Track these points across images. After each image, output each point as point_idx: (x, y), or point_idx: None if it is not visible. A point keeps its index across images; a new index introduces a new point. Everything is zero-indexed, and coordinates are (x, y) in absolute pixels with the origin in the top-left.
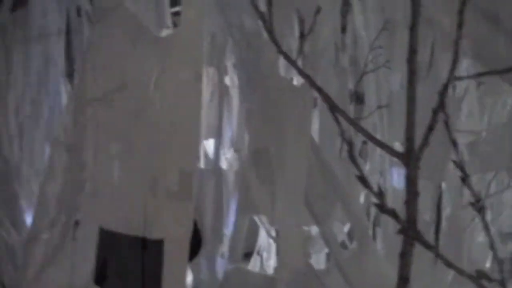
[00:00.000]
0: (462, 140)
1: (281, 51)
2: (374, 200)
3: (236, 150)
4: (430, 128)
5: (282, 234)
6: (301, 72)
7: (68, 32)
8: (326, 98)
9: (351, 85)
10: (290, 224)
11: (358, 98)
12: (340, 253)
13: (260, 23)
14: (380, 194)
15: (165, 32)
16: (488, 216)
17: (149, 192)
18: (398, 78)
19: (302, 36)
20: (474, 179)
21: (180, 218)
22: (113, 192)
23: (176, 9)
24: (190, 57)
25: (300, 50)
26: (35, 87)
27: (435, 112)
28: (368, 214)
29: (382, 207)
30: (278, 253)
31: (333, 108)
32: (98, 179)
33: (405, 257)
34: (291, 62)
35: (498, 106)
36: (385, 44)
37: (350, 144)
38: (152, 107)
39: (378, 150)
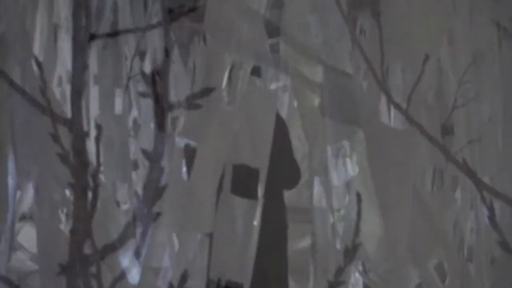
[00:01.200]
0: None
1: (392, 102)
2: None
3: None
4: None
5: (384, 276)
6: (412, 121)
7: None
8: (438, 145)
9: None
10: (393, 266)
11: (448, 130)
12: None
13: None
14: None
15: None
16: None
17: None
18: (487, 111)
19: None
20: None
21: None
22: None
23: None
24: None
25: (409, 98)
26: None
27: None
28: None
29: None
30: None
31: (448, 156)
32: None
33: None
34: (402, 111)
35: None
36: (474, 77)
37: (492, 210)
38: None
39: (468, 185)
